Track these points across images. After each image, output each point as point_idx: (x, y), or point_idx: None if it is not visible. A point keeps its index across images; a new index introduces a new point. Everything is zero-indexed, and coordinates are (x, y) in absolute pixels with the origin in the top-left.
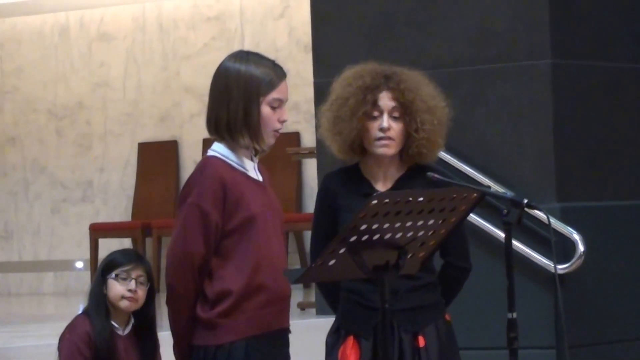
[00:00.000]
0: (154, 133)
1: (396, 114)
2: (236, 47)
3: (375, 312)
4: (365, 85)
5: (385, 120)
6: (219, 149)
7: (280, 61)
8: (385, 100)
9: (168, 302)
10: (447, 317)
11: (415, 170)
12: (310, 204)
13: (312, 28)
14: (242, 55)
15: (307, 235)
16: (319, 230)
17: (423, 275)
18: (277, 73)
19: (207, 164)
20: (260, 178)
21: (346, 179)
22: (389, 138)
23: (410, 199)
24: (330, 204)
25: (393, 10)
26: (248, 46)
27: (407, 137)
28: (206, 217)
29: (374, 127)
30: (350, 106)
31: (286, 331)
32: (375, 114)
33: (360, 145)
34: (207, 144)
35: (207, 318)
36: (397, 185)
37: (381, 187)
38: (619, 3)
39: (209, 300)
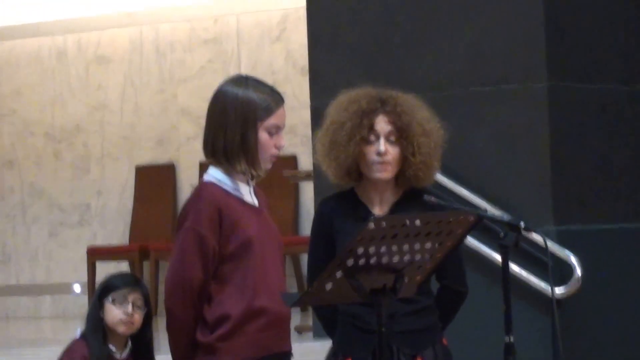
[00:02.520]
0: (151, 156)
1: (393, 138)
2: (233, 70)
3: (373, 335)
4: (361, 109)
5: (382, 144)
6: (214, 174)
7: (276, 84)
8: (382, 124)
9: (168, 328)
10: (444, 341)
11: (411, 194)
12: (307, 227)
13: (308, 51)
14: (241, 80)
15: (304, 258)
16: (316, 255)
17: (421, 298)
18: (275, 99)
19: (203, 189)
20: (256, 202)
21: (342, 203)
22: (386, 162)
23: (407, 222)
24: (327, 228)
25: (389, 33)
26: (244, 69)
27: (404, 160)
28: (203, 242)
29: (370, 152)
30: (346, 131)
31: (288, 354)
32: (372, 138)
33: (356, 170)
34: (204, 168)
35: (207, 342)
36: (394, 210)
37: (377, 211)
38: (613, 26)
39: (209, 325)
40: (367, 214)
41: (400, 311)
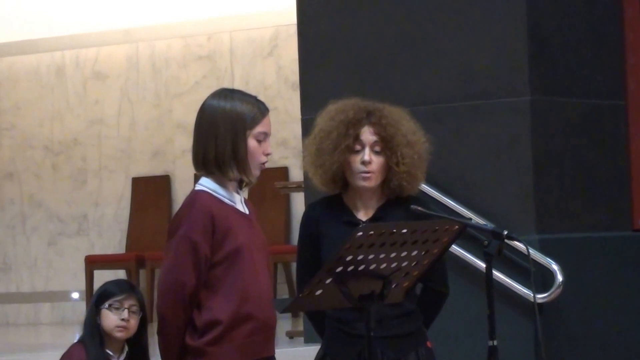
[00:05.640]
0: (147, 168)
1: (377, 148)
2: (227, 85)
3: (360, 340)
4: (347, 119)
5: (367, 154)
6: (207, 184)
7: (268, 98)
8: (367, 134)
9: (160, 331)
10: (429, 344)
11: (395, 200)
12: (297, 236)
13: (299, 67)
14: (226, 93)
15: (295, 266)
16: (303, 259)
17: (406, 303)
18: (261, 108)
19: (197, 197)
20: (246, 211)
21: (328, 208)
22: (370, 172)
23: (395, 230)
24: (313, 231)
25: (378, 50)
26: (237, 84)
27: (388, 170)
28: (196, 249)
29: (355, 161)
30: (332, 139)
31: (272, 359)
32: (357, 147)
33: (342, 178)
34: (198, 179)
35: (196, 346)
36: (378, 214)
37: (362, 216)
38: (594, 42)
39: (198, 330)
40: (352, 217)
41: (386, 316)
